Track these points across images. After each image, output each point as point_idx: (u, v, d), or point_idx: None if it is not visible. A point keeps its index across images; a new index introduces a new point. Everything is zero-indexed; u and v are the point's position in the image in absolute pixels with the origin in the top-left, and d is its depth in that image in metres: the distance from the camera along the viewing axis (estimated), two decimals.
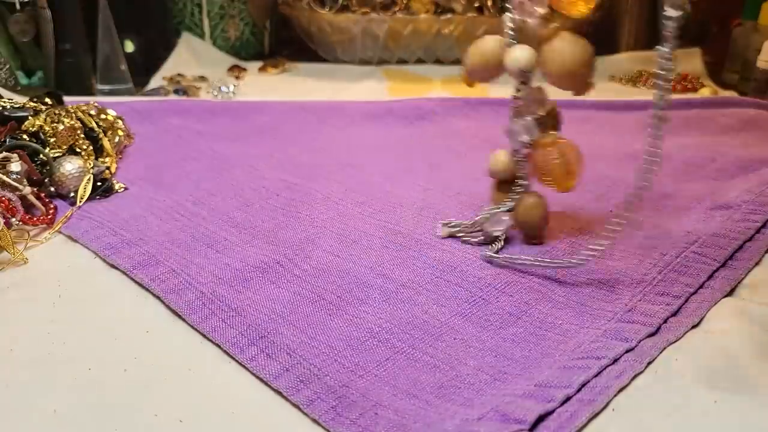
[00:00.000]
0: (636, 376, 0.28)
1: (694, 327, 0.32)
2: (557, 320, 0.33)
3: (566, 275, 0.36)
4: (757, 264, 0.38)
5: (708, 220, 0.42)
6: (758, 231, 0.41)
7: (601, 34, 0.94)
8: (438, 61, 0.89)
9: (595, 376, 0.28)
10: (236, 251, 0.40)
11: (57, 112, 0.51)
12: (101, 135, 0.53)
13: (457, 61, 0.89)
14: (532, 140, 0.38)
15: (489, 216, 0.39)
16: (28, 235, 0.41)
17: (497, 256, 0.38)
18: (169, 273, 0.36)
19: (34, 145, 0.48)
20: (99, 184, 0.47)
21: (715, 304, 0.34)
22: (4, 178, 0.44)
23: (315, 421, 0.26)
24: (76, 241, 0.41)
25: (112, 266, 0.38)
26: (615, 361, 0.29)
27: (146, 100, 0.69)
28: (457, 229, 0.40)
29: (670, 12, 0.28)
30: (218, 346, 0.31)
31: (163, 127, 0.62)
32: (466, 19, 0.84)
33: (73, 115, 0.52)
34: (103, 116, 0.55)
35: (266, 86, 0.81)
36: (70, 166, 0.47)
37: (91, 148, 0.51)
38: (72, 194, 0.46)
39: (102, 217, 0.43)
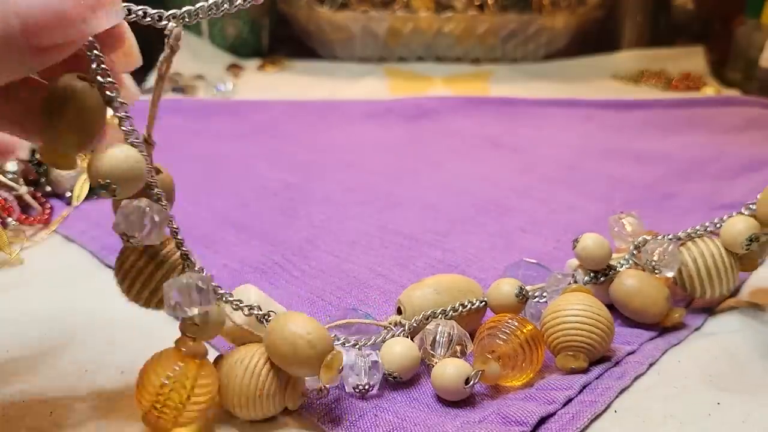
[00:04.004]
0: (638, 377, 0.28)
1: (696, 329, 0.32)
2: None
3: None
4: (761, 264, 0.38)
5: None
6: None
7: (603, 32, 0.94)
8: (438, 59, 0.89)
9: (597, 377, 0.28)
10: (234, 251, 0.39)
11: None
12: None
13: (458, 59, 0.89)
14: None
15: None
16: (24, 235, 0.41)
17: None
18: None
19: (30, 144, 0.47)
20: None
21: (719, 305, 0.34)
22: (0, 177, 0.43)
23: (314, 423, 0.26)
24: (72, 241, 0.41)
25: (109, 267, 0.38)
26: (617, 363, 0.28)
27: (143, 98, 0.69)
28: None
29: None
30: (216, 348, 0.30)
31: (161, 126, 0.62)
32: (466, 17, 0.84)
33: None
34: None
35: (265, 85, 0.81)
36: None
37: None
38: (68, 194, 0.46)
39: (99, 217, 0.43)
